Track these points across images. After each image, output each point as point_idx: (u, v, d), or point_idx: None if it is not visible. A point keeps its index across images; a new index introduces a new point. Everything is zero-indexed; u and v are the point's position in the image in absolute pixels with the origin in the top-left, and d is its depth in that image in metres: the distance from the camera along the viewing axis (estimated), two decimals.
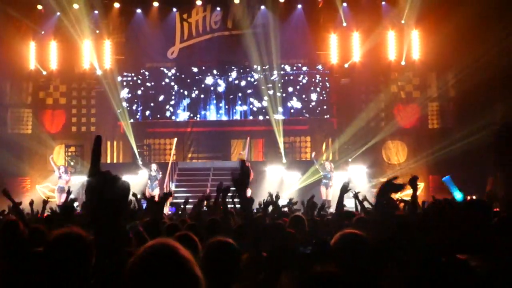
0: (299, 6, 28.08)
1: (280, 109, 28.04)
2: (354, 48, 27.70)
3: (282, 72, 28.36)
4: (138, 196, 11.40)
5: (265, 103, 27.98)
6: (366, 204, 11.22)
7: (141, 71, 28.92)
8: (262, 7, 28.24)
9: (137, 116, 28.75)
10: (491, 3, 23.16)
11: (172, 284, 2.42)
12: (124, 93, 28.72)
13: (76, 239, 3.53)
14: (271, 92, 28.03)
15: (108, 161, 27.86)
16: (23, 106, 28.59)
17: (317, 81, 28.43)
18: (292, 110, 28.32)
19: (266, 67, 28.11)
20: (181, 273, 2.45)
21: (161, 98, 28.80)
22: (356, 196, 11.40)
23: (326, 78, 28.37)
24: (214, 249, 4.23)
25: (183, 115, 28.84)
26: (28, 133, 28.04)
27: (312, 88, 28.43)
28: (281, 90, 28.29)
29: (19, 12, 26.84)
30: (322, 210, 11.11)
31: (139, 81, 28.87)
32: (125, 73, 28.83)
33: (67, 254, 3.48)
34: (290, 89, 28.38)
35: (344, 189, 7.27)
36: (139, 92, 28.83)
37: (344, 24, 27.72)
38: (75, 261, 3.45)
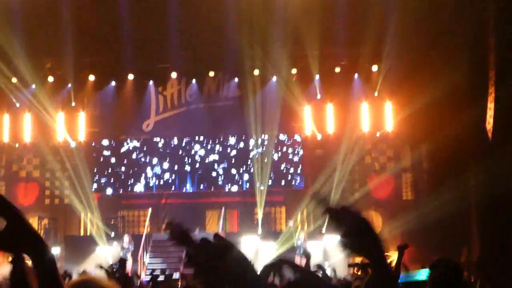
0: (274, 78, 28.35)
1: (257, 180, 28.08)
2: (328, 120, 27.98)
3: (259, 143, 28.50)
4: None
5: (240, 175, 28.05)
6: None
7: (116, 144, 28.91)
8: (236, 79, 28.52)
9: (110, 189, 28.60)
10: (462, 77, 23.51)
11: None
12: (98, 165, 28.65)
13: None
14: (246, 163, 28.15)
15: (82, 233, 27.54)
16: None
17: (294, 152, 28.57)
18: (269, 182, 28.27)
19: (242, 139, 28.27)
20: None
21: (134, 170, 28.75)
22: (319, 266, 11.35)
23: (300, 149, 28.54)
24: None
25: (157, 187, 28.74)
26: None
27: (288, 158, 28.55)
28: (257, 161, 28.37)
29: None
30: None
31: (111, 153, 28.83)
32: (98, 146, 28.80)
33: None
34: (264, 160, 28.41)
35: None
36: (113, 164, 28.77)
37: (318, 96, 28.03)
38: None
